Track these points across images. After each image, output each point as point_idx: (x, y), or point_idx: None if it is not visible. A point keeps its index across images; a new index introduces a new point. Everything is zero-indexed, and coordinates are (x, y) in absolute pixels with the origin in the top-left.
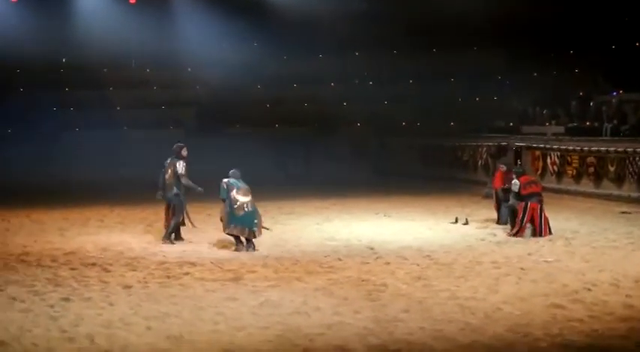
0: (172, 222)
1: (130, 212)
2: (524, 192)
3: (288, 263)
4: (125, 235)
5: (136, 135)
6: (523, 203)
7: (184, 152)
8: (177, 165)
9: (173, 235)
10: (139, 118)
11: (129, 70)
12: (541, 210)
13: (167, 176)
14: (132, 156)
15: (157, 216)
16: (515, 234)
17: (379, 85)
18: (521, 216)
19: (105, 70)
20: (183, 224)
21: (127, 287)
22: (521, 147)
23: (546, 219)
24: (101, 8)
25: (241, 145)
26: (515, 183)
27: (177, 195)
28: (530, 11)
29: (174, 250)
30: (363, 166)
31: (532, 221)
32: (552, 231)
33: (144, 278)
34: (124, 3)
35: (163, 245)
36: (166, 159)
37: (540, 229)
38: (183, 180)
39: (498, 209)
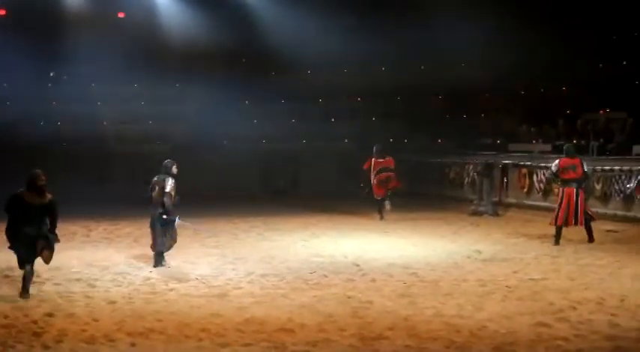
0: (167, 243)
1: (116, 227)
2: (562, 176)
3: (274, 279)
4: (111, 250)
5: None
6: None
7: (175, 169)
8: (166, 182)
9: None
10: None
11: None
12: (577, 195)
13: (154, 194)
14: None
15: (141, 231)
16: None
17: (367, 101)
18: (558, 202)
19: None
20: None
21: (112, 302)
22: (507, 164)
23: (582, 207)
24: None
25: (229, 161)
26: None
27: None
28: (516, 29)
29: (159, 266)
30: (351, 182)
31: (568, 207)
32: (595, 217)
33: (129, 293)
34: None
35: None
36: (154, 176)
37: (575, 217)
38: (166, 199)
39: None
